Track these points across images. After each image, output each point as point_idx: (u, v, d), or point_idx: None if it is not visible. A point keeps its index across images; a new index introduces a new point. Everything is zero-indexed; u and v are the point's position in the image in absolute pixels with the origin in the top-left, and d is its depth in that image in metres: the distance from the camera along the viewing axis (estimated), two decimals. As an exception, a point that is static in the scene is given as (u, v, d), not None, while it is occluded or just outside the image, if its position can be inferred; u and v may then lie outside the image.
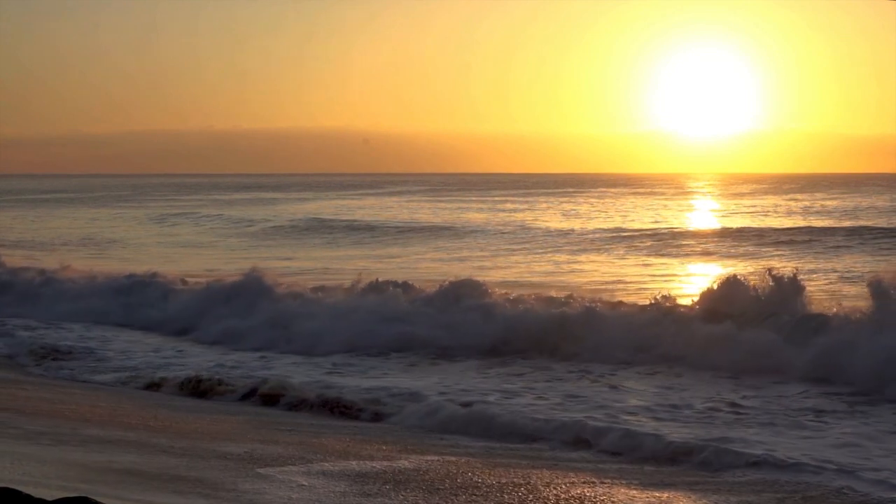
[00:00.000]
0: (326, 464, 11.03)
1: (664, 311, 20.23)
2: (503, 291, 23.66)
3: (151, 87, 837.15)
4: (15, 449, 10.37)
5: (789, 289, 19.87)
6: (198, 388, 16.42)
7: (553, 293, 23.97)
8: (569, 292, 23.86)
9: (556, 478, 10.68)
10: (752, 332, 18.46)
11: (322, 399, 15.36)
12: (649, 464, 11.65)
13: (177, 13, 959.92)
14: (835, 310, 19.22)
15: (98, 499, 6.94)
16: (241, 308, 23.40)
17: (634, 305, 22.01)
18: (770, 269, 20.63)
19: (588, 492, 10.09)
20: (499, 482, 10.35)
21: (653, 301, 20.97)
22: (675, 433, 12.63)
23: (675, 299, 21.15)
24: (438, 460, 11.44)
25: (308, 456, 11.43)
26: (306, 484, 10.01)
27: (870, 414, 14.31)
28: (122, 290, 26.98)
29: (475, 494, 9.89)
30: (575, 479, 10.62)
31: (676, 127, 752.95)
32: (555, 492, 10.04)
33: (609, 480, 10.63)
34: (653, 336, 19.12)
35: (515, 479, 10.51)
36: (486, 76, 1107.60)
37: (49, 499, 6.62)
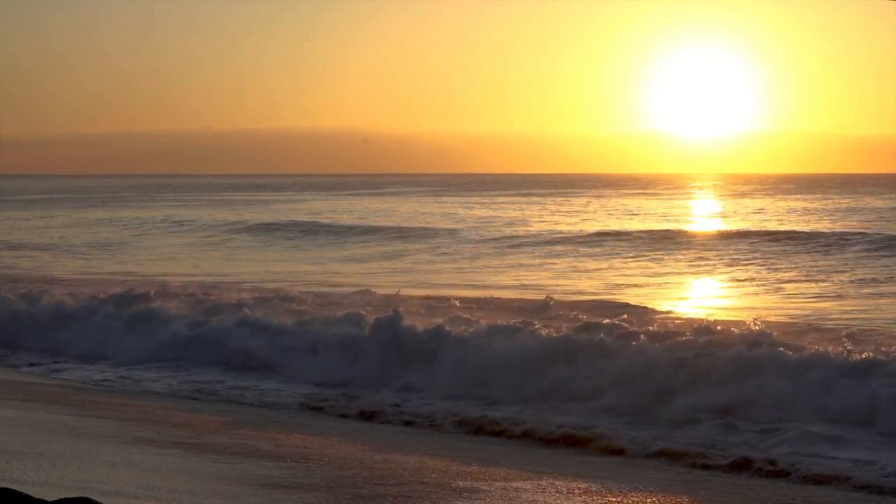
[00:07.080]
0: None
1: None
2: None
3: (149, 88, 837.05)
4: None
5: None
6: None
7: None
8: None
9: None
10: None
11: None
12: None
13: (175, 13, 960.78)
14: None
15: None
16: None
17: None
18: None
19: None
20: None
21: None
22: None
23: None
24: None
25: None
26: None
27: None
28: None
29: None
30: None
31: (675, 127, 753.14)
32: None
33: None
34: None
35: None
36: (484, 76, 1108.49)
37: (49, 499, 6.59)
